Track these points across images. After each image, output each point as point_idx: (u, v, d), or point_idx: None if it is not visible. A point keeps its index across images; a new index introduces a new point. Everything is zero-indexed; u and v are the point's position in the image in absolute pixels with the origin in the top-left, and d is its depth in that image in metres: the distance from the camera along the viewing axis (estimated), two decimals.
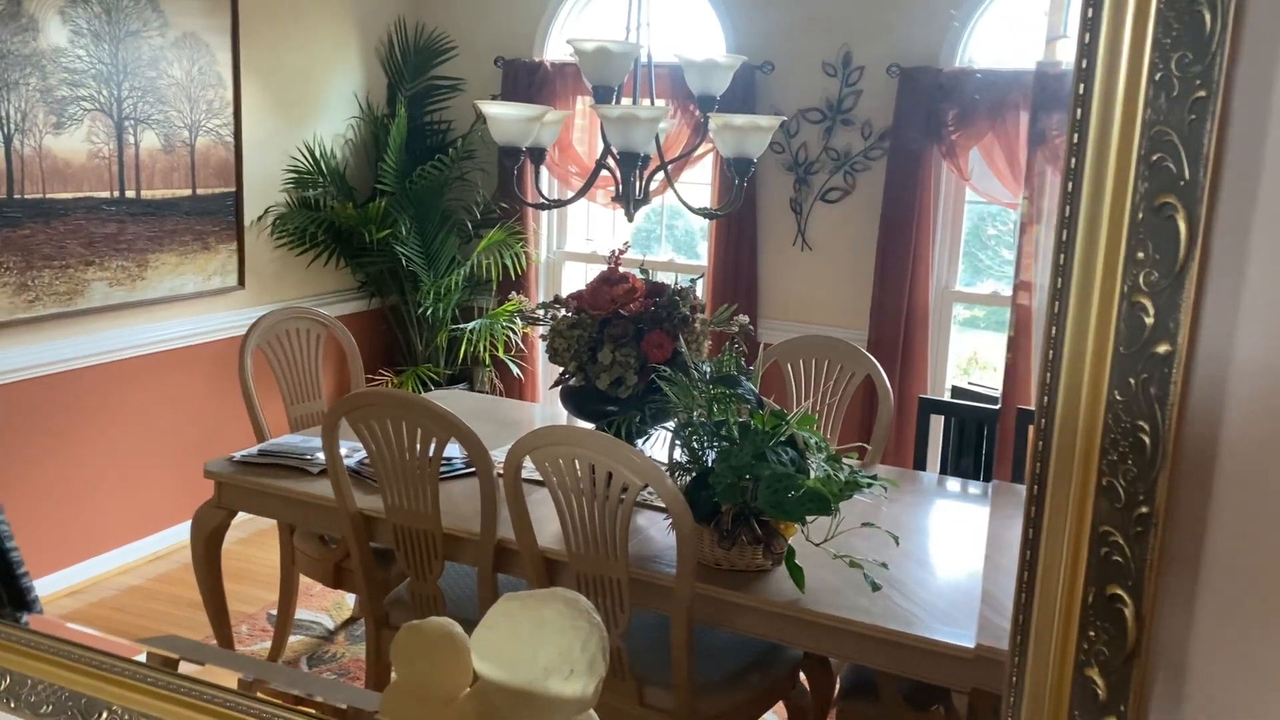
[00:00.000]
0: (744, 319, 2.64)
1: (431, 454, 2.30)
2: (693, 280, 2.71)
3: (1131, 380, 0.81)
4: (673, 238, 5.26)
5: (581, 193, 2.79)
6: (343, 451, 2.44)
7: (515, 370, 4.60)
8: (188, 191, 3.79)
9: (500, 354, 4.55)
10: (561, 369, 2.58)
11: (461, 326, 4.48)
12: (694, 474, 2.16)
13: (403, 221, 4.37)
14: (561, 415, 3.19)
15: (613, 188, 2.68)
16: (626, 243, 2.76)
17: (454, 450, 2.60)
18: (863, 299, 4.07)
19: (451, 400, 3.39)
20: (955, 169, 3.82)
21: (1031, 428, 0.87)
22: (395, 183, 4.38)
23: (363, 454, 2.58)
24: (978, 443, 3.12)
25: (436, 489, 2.33)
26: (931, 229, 3.92)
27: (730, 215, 3.50)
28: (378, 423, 2.32)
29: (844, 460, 2.14)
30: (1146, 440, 0.80)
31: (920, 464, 3.16)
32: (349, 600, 3.40)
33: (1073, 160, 0.82)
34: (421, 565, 2.39)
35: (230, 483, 2.64)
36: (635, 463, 2.05)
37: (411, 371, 4.48)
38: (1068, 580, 0.84)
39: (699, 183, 4.57)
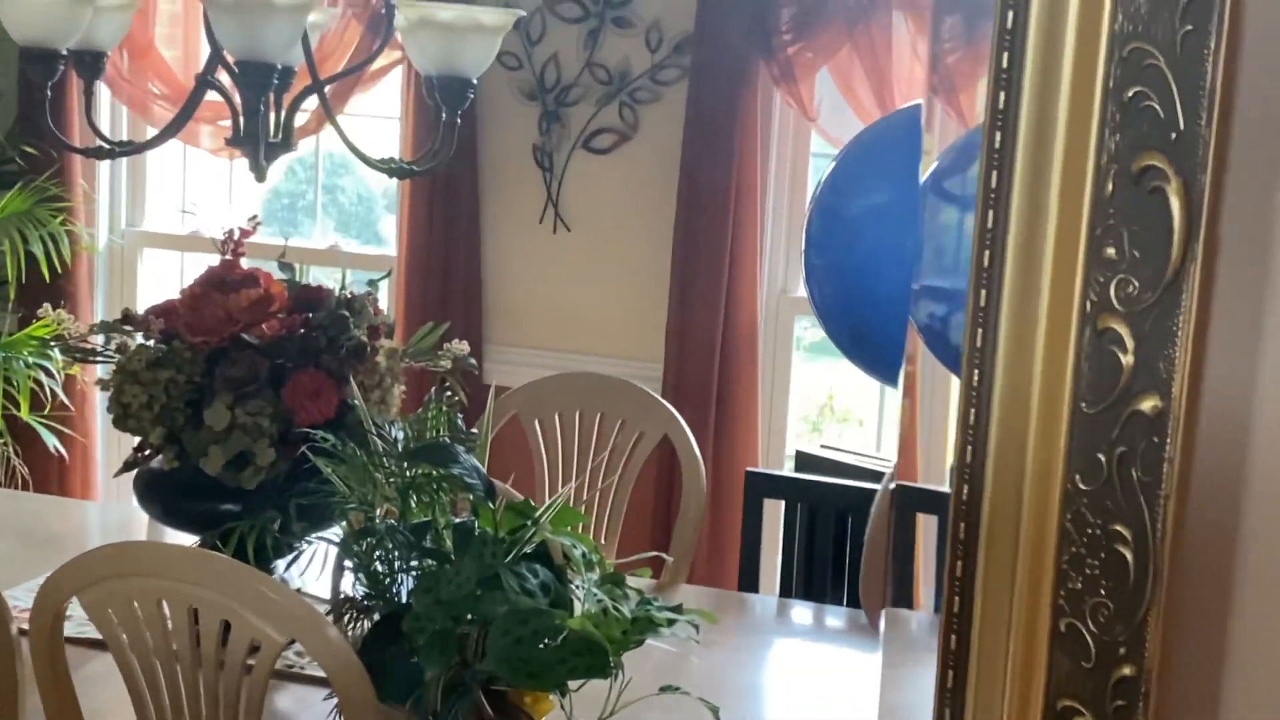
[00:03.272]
0: (462, 348, 2.61)
1: None
2: (373, 282, 2.66)
3: (1102, 457, 0.82)
4: (336, 210, 5.16)
5: (173, 130, 2.67)
6: None
7: (52, 443, 4.35)
8: None
9: (24, 414, 4.29)
10: (138, 441, 2.49)
11: None
12: (378, 617, 2.10)
13: None
14: (138, 523, 3.03)
15: (228, 122, 2.59)
16: (255, 218, 2.66)
17: None
18: (654, 311, 4.12)
19: None
20: (795, 101, 3.96)
21: (924, 516, 0.87)
22: None
23: None
24: (840, 543, 3.22)
25: None
26: (760, 196, 4.03)
27: (436, 173, 3.43)
28: None
29: (630, 583, 2.14)
30: (1128, 555, 0.82)
31: (750, 581, 3.22)
32: None
33: (1001, 95, 0.83)
34: None
35: None
36: (273, 603, 1.98)
37: None
38: None
39: (381, 116, 4.49)
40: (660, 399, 3.23)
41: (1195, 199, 0.78)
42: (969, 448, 0.85)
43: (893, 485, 3.16)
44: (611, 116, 4.14)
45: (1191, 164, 0.78)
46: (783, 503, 3.33)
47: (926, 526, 2.79)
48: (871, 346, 2.82)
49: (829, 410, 4.98)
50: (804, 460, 3.72)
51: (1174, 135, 0.78)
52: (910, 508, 2.92)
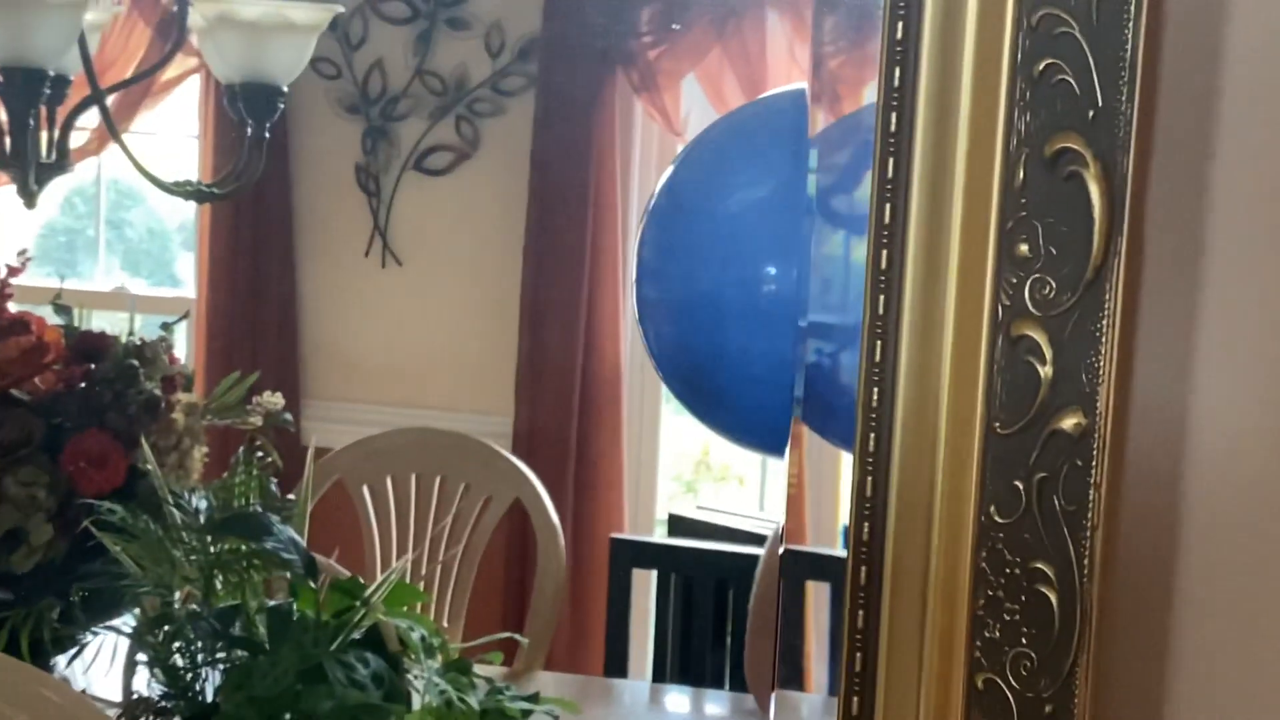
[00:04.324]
0: (275, 401, 2.58)
1: None
2: (167, 326, 2.62)
3: (1020, 484, 0.82)
4: (123, 244, 5.07)
5: None
6: None
7: None
8: None
9: None
10: None
11: None
12: (180, 718, 2.07)
13: None
14: None
15: None
16: (25, 253, 2.61)
17: None
18: (502, 357, 4.11)
19: None
20: (657, 113, 3.98)
21: (815, 583, 0.87)
22: None
23: None
24: (720, 617, 3.22)
25: None
26: (621, 225, 4.04)
27: (241, 197, 3.39)
28: None
29: (478, 670, 2.13)
30: (1052, 597, 0.82)
31: (618, 664, 3.21)
32: None
33: (896, 71, 0.83)
34: None
35: None
36: (53, 706, 1.92)
37: None
38: None
39: (176, 134, 4.43)
40: (510, 457, 3.21)
41: (1117, 185, 0.79)
42: (869, 479, 0.85)
43: (781, 550, 3.16)
44: (447, 132, 4.13)
45: (1112, 146, 0.79)
46: (654, 573, 3.32)
47: (818, 595, 2.79)
48: (723, 405, 2.59)
49: (704, 467, 4.99)
50: (677, 524, 3.72)
51: (1092, 114, 0.79)
52: (799, 574, 2.93)
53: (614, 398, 4.06)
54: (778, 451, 2.30)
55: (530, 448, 3.95)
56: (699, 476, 4.98)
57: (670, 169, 2.70)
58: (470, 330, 4.18)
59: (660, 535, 3.98)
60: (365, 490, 3.14)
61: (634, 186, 4.12)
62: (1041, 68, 0.80)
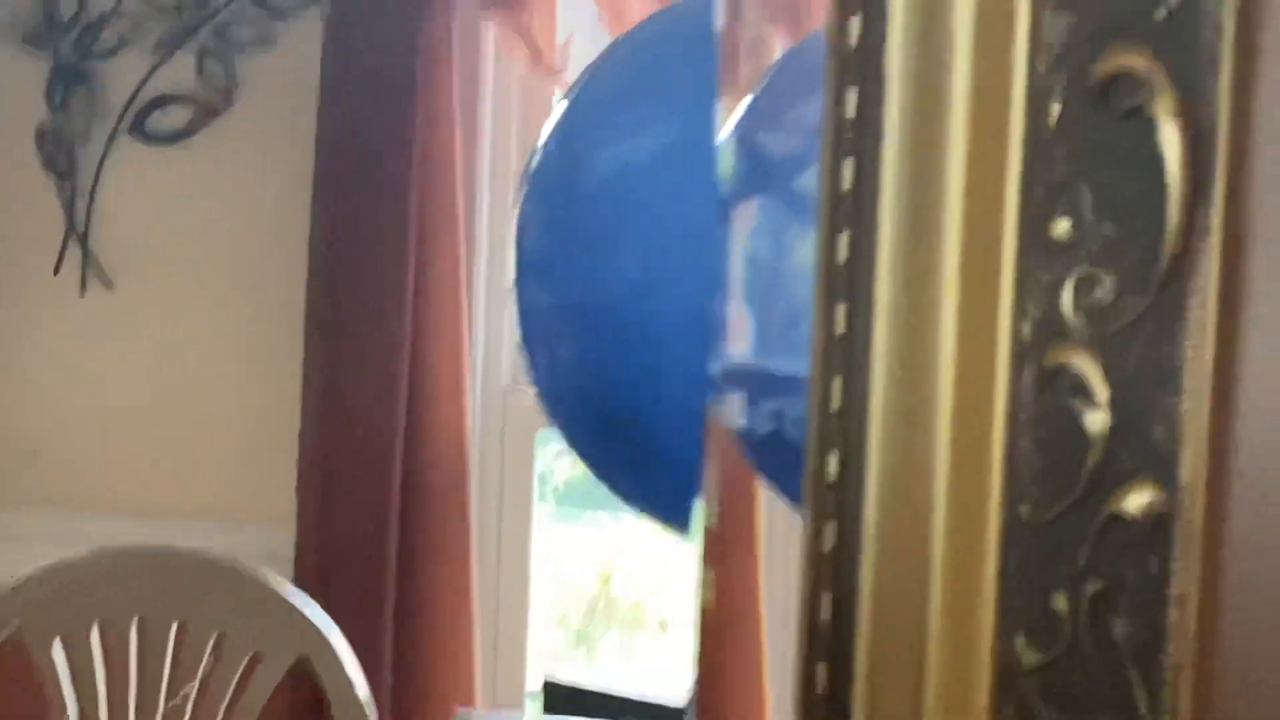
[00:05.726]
0: None
1: None
2: None
3: (1060, 601, 0.82)
4: None
5: None
6: None
7: None
8: None
9: None
10: None
11: None
12: None
13: None
14: None
15: None
16: None
17: None
18: (276, 433, 4.10)
19: None
20: (521, 40, 3.99)
21: None
22: None
23: None
24: None
25: None
26: (464, 213, 4.04)
27: None
28: None
29: None
30: None
31: None
32: None
33: None
34: None
35: None
36: None
37: None
38: None
39: None
40: (290, 591, 3.20)
41: (1205, 125, 0.80)
42: (821, 596, 0.85)
43: None
44: (184, 74, 4.13)
45: (1194, 63, 0.80)
46: None
47: None
48: (647, 461, 2.54)
49: (605, 604, 5.01)
50: (558, 696, 3.72)
51: (1163, 13, 0.80)
52: None
53: (456, 491, 4.05)
54: None
55: (323, 575, 3.94)
56: (596, 621, 4.99)
57: (559, 113, 2.64)
58: (224, 390, 4.16)
59: (533, 715, 3.98)
60: (58, 646, 3.12)
61: (483, 153, 4.12)
62: None
